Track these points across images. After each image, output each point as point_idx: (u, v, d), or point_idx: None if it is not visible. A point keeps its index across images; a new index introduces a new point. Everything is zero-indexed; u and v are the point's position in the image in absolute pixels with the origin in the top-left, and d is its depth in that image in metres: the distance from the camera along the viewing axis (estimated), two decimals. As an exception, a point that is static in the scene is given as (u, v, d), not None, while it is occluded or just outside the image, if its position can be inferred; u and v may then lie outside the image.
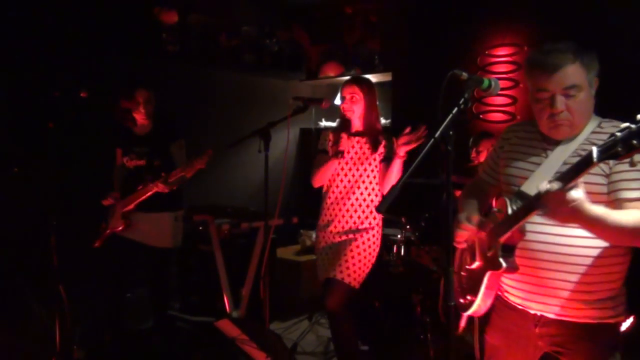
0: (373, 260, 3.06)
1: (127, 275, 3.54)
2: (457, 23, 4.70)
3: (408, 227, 3.86)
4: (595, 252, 1.66)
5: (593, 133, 1.70)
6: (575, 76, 1.64)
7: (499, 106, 4.51)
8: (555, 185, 1.40)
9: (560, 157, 1.70)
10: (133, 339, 3.68)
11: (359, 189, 3.06)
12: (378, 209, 1.62)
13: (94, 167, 3.98)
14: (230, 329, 2.19)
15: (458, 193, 2.15)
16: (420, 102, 4.57)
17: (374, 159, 3.05)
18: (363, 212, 3.05)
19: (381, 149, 3.04)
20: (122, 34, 4.36)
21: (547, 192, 1.42)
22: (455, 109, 1.61)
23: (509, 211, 1.67)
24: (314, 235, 5.08)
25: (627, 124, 1.25)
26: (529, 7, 4.26)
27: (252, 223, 3.87)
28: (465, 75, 1.67)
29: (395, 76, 5.25)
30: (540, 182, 1.51)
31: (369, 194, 3.06)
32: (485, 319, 1.98)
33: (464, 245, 1.92)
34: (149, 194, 3.27)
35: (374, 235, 3.08)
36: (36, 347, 3.32)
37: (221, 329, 2.19)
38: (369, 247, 3.04)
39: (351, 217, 3.05)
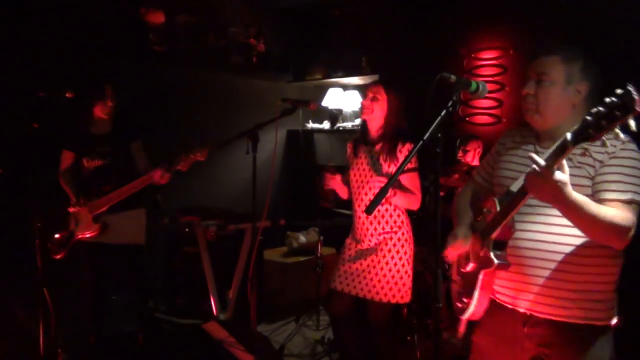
0: (407, 269, 2.86)
1: (106, 278, 3.47)
2: (443, 26, 4.73)
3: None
4: (585, 252, 1.68)
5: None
6: (550, 66, 1.74)
7: (485, 109, 4.54)
8: (543, 162, 1.44)
9: None
10: (118, 342, 3.64)
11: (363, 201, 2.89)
12: (367, 211, 1.63)
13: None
14: (218, 331, 2.18)
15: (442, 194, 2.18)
16: (406, 104, 4.60)
17: (391, 167, 2.82)
18: (386, 224, 2.86)
19: (398, 160, 2.80)
20: (108, 34, 4.33)
21: (536, 167, 1.46)
22: (444, 111, 1.63)
23: (498, 209, 1.70)
24: (301, 237, 5.11)
25: (596, 108, 1.31)
26: (515, 10, 4.29)
27: (239, 225, 3.86)
28: (453, 78, 1.68)
29: (382, 78, 5.26)
30: None
31: (386, 208, 2.87)
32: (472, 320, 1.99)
33: (453, 259, 1.96)
34: (141, 187, 3.18)
35: (402, 246, 2.85)
36: (20, 350, 3.28)
37: (208, 331, 2.18)
38: (400, 259, 2.84)
39: (375, 230, 2.86)
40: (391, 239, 2.83)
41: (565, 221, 1.64)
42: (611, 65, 3.66)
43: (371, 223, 2.86)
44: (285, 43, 5.90)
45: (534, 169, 1.46)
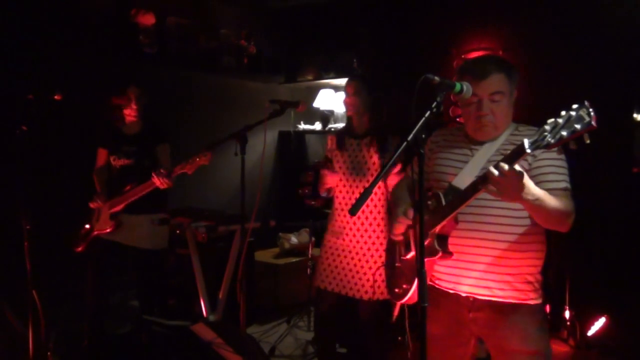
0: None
1: (108, 279, 3.49)
2: (433, 27, 4.74)
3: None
4: (520, 239, 1.88)
5: (512, 135, 1.94)
6: (500, 84, 1.89)
7: (475, 109, 4.55)
8: (506, 165, 1.55)
9: (484, 155, 1.93)
10: (109, 344, 3.63)
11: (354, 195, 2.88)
12: (351, 212, 1.63)
13: (69, 170, 3.94)
14: (206, 333, 2.18)
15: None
16: (396, 105, 4.61)
17: (375, 163, 2.83)
18: (365, 219, 2.86)
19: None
20: (99, 36, 4.32)
21: (499, 169, 1.56)
22: (428, 112, 1.64)
23: (443, 202, 1.84)
24: (292, 238, 5.10)
25: (553, 119, 1.44)
26: (505, 11, 4.32)
27: (230, 226, 3.86)
28: (437, 79, 1.69)
29: (373, 79, 5.27)
30: (468, 177, 1.83)
31: (371, 200, 2.85)
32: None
33: (401, 238, 2.09)
34: (146, 190, 3.21)
35: (382, 244, 2.83)
36: (9, 353, 3.27)
37: (197, 332, 2.18)
38: (380, 256, 2.82)
39: (355, 224, 2.88)
40: (370, 236, 2.83)
41: (503, 212, 1.86)
42: (597, 64, 3.75)
43: (351, 217, 2.86)
44: (276, 44, 5.91)
45: (495, 174, 1.56)
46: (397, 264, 2.13)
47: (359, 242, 2.87)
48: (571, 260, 3.63)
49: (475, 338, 2.03)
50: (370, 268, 2.82)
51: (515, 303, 1.90)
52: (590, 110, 1.37)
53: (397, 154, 1.62)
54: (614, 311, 3.58)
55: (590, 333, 3.60)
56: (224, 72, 5.39)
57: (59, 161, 4.07)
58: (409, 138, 1.60)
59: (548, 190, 1.77)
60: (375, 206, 2.86)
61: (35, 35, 3.96)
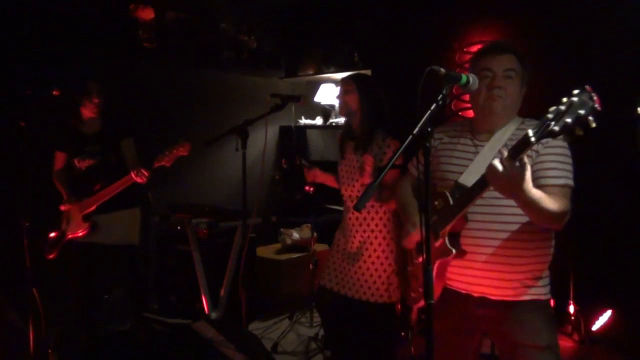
0: (394, 267, 2.77)
1: (97, 279, 3.44)
2: (435, 20, 4.71)
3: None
4: (529, 237, 1.85)
5: (517, 130, 1.90)
6: (514, 63, 1.89)
7: (477, 103, 4.52)
8: (506, 153, 1.53)
9: (491, 151, 1.88)
10: (109, 342, 3.61)
11: (351, 198, 2.85)
12: (356, 207, 1.61)
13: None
14: (207, 330, 2.16)
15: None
16: (400, 99, 4.57)
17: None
18: (372, 220, 2.80)
19: (376, 155, 2.70)
20: (97, 31, 4.28)
21: (498, 166, 1.54)
22: (434, 105, 1.61)
23: (451, 202, 1.81)
24: (294, 234, 5.08)
25: (555, 107, 1.40)
26: (507, 4, 4.28)
27: (231, 222, 3.83)
28: (443, 71, 1.65)
29: (375, 73, 5.24)
30: (474, 174, 1.75)
31: (372, 204, 2.78)
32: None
33: (414, 246, 2.04)
34: (121, 188, 3.14)
35: (387, 245, 2.78)
36: (9, 351, 3.25)
37: (198, 330, 2.16)
38: (386, 258, 2.77)
39: (361, 226, 2.82)
40: (376, 237, 2.78)
41: (512, 210, 1.79)
42: (600, 57, 3.72)
43: (357, 219, 2.82)
44: (277, 39, 5.87)
45: (496, 166, 1.54)
46: (410, 268, 2.10)
47: (360, 242, 2.81)
48: (575, 254, 3.60)
49: (481, 334, 2.02)
50: (375, 270, 2.77)
51: (525, 300, 1.88)
52: (592, 94, 1.35)
53: (403, 147, 1.59)
54: (619, 305, 3.55)
55: (595, 328, 3.58)
56: (224, 67, 5.35)
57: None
58: (415, 131, 1.57)
59: (546, 186, 1.75)
60: (381, 206, 2.79)
61: (33, 31, 3.92)
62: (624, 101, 3.41)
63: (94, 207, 3.22)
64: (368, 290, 2.75)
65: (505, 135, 1.91)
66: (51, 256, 3.30)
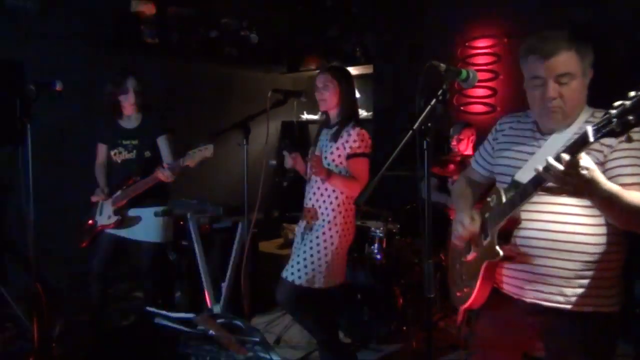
0: (328, 258, 2.82)
1: (110, 272, 3.48)
2: (438, 15, 4.70)
3: (389, 219, 3.87)
4: (591, 240, 1.64)
5: (586, 123, 1.64)
6: (569, 64, 1.62)
7: (479, 98, 4.52)
8: (566, 156, 1.34)
9: (553, 146, 1.63)
10: (113, 336, 3.63)
11: (316, 184, 2.89)
12: (356, 202, 1.62)
13: (72, 162, 3.92)
14: (210, 324, 2.18)
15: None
16: (401, 94, 4.58)
17: (336, 152, 2.79)
18: (325, 209, 2.85)
19: (346, 142, 2.75)
20: (99, 26, 4.29)
21: (560, 160, 1.35)
22: (434, 100, 1.61)
23: (504, 199, 1.67)
24: (296, 229, 5.08)
25: (620, 102, 1.23)
26: (509, -1, 4.28)
27: (233, 217, 3.83)
28: (443, 66, 1.66)
29: (377, 68, 5.24)
30: (532, 171, 1.50)
31: (326, 189, 2.84)
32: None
33: (462, 245, 1.91)
34: (150, 185, 3.19)
35: (324, 233, 2.82)
36: (14, 344, 3.27)
37: (201, 324, 2.18)
38: (318, 244, 2.83)
39: (317, 209, 2.88)
40: (330, 222, 2.81)
41: (572, 210, 1.63)
42: (604, 48, 3.70)
43: (312, 205, 2.88)
44: (278, 34, 5.87)
45: (556, 166, 1.36)
46: (457, 265, 1.97)
47: (317, 226, 2.86)
48: None
49: (528, 342, 1.88)
50: (324, 254, 2.82)
51: (585, 311, 1.68)
52: None
53: (403, 142, 1.60)
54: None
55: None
56: (226, 62, 5.35)
57: (61, 152, 4.06)
58: (415, 126, 1.57)
59: (626, 185, 1.54)
60: (333, 191, 2.82)
61: (35, 26, 3.93)
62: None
63: (124, 202, 3.28)
64: (304, 275, 2.81)
65: (571, 128, 1.69)
66: (83, 244, 3.39)
